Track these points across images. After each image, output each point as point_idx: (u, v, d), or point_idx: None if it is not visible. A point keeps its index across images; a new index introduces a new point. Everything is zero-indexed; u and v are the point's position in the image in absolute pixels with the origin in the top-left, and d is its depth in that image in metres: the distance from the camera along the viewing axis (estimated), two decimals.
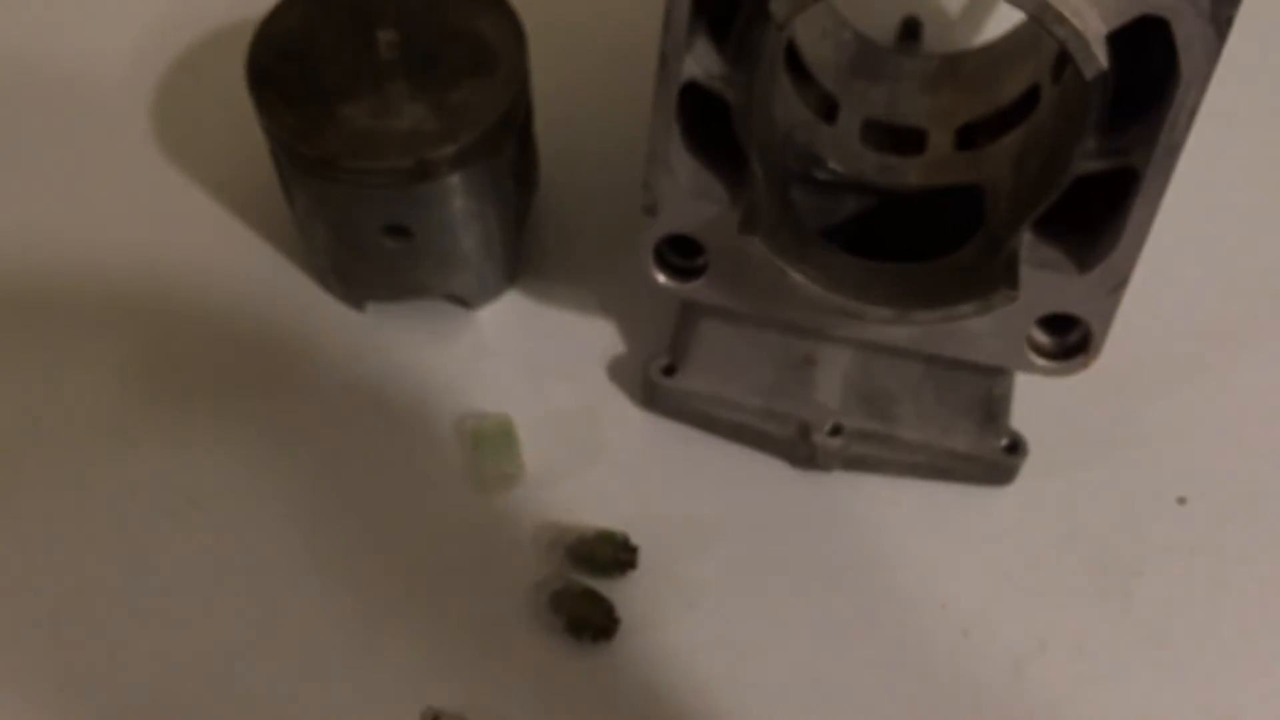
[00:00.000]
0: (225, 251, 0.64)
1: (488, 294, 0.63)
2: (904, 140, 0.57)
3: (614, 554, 0.55)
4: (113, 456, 0.58)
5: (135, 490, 0.57)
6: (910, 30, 0.68)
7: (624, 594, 0.55)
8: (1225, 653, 0.54)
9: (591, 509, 0.57)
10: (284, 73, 0.55)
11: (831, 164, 0.56)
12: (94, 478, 0.58)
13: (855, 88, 0.59)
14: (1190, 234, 0.62)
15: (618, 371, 0.61)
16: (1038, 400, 0.58)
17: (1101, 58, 0.42)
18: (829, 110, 0.57)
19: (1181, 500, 0.58)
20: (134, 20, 0.72)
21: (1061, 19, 0.41)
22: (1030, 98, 0.55)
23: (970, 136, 0.57)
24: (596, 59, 0.69)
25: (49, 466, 0.58)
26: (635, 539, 0.55)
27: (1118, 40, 0.43)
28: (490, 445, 0.57)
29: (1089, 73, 0.42)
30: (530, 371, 0.61)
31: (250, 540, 0.56)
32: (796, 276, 0.50)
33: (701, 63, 0.48)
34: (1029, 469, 0.57)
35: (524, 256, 0.63)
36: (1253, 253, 0.65)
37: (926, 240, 0.53)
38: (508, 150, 0.56)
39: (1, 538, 0.56)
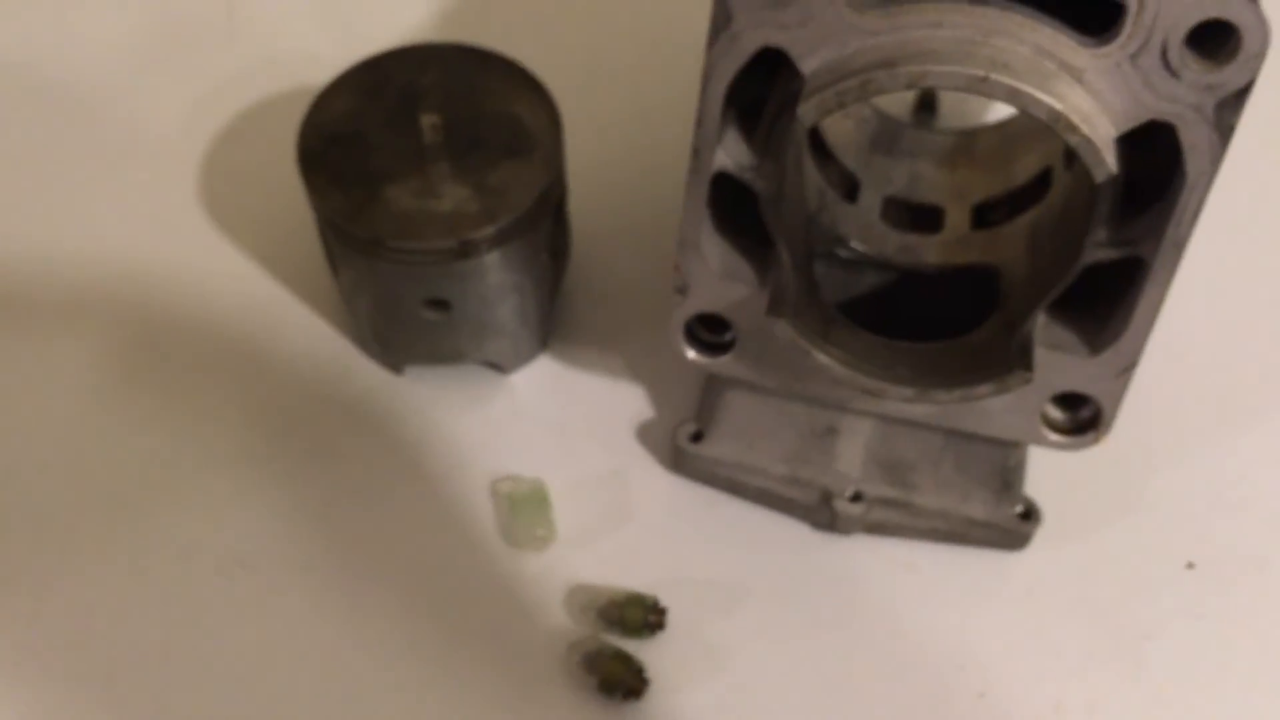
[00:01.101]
0: (266, 314, 0.67)
1: (522, 359, 0.65)
2: (923, 218, 0.59)
3: (644, 616, 0.57)
4: (164, 518, 0.60)
5: (187, 551, 0.60)
6: (926, 103, 0.71)
7: (653, 654, 0.57)
8: (1235, 715, 0.56)
9: (621, 570, 0.59)
10: (333, 156, 0.58)
11: (854, 243, 0.58)
12: (145, 539, 0.60)
13: (875, 165, 0.61)
14: (1198, 307, 0.64)
15: (646, 435, 0.63)
16: (1051, 468, 0.60)
17: (1111, 162, 0.44)
18: (851, 189, 0.60)
19: (1190, 565, 0.60)
20: (186, 88, 0.74)
21: (1073, 127, 0.43)
22: (1043, 180, 0.57)
23: (986, 215, 0.59)
24: (625, 134, 0.72)
25: (103, 527, 0.60)
26: (663, 600, 0.57)
27: (1127, 138, 0.45)
28: (524, 509, 0.60)
29: (1099, 176, 0.44)
30: (562, 434, 0.63)
31: (293, 599, 0.59)
32: (821, 357, 0.52)
33: (732, 154, 0.50)
34: (1043, 535, 0.59)
35: (556, 323, 0.66)
36: (1259, 325, 0.67)
37: (944, 316, 0.55)
38: (544, 227, 0.59)
39: (59, 598, 0.59)
